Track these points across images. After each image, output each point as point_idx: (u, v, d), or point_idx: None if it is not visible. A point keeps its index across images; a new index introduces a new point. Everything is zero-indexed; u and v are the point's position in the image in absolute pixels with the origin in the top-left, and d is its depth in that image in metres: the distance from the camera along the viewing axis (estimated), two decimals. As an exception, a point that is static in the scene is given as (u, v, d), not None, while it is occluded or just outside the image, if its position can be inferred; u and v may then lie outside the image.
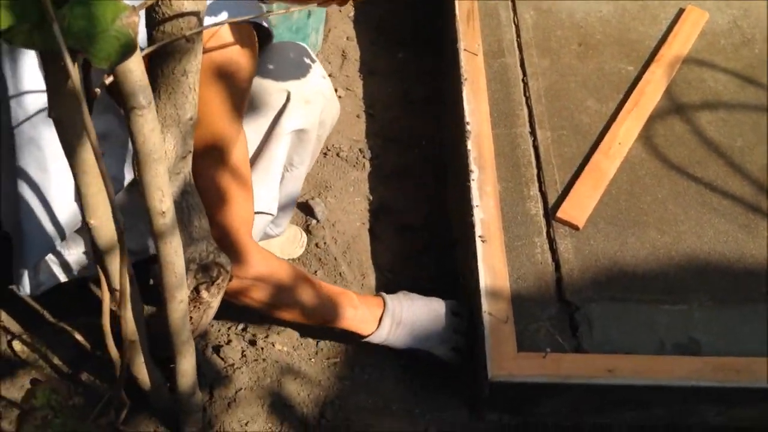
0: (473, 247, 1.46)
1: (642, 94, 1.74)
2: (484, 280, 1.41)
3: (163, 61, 0.86)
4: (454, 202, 1.71)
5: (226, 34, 1.06)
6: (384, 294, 1.41)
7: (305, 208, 1.72)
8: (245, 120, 1.24)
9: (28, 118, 1.14)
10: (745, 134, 1.70)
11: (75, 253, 1.25)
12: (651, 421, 1.38)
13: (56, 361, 1.41)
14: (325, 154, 1.83)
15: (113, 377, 1.17)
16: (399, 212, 1.75)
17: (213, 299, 1.13)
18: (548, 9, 1.96)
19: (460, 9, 1.88)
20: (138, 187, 0.95)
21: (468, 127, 1.63)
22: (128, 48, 0.59)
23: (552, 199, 1.57)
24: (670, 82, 1.78)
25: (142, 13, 0.75)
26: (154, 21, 0.81)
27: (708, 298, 1.44)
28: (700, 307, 1.43)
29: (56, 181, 1.15)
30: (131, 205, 1.12)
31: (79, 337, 1.43)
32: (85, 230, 1.24)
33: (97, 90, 0.76)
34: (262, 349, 1.46)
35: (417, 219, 1.74)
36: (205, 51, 1.02)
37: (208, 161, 1.13)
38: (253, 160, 1.31)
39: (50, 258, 1.23)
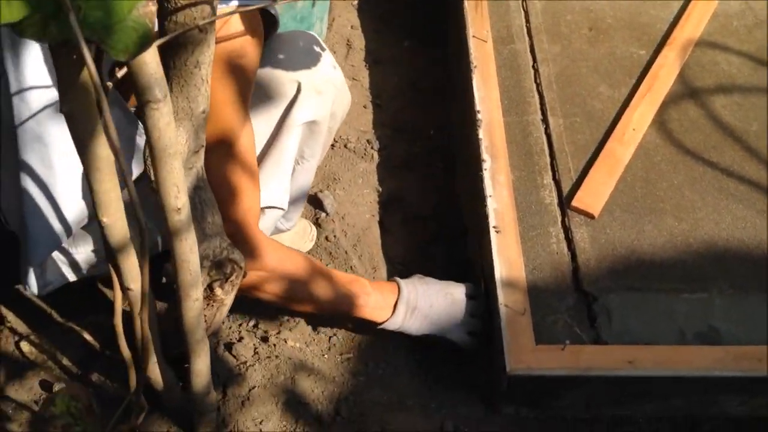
0: (487, 238, 1.43)
1: (655, 78, 1.70)
2: (500, 271, 1.39)
3: (175, 53, 0.83)
4: (465, 192, 1.68)
5: (236, 23, 1.04)
6: (398, 279, 1.39)
7: (314, 201, 1.69)
8: (255, 112, 1.22)
9: (33, 115, 1.11)
10: (760, 118, 1.67)
11: (83, 252, 1.23)
12: (670, 412, 1.36)
13: (65, 361, 1.39)
14: (333, 145, 1.80)
15: (124, 377, 1.15)
16: (408, 203, 1.73)
17: (227, 296, 1.11)
18: (557, -7, 1.93)
19: (468, -5, 1.84)
20: (146, 182, 0.92)
21: (479, 116, 1.60)
22: (146, 39, 0.56)
23: (566, 188, 1.54)
24: (683, 66, 1.75)
25: (154, 2, 0.72)
26: (166, 11, 0.78)
27: (728, 286, 1.41)
28: (720, 295, 1.40)
29: (62, 178, 1.14)
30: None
31: (87, 336, 1.41)
32: (91, 227, 1.22)
33: (110, 84, 0.73)
34: (275, 345, 1.43)
35: (426, 210, 1.71)
36: (217, 41, 0.99)
37: (218, 155, 1.11)
38: (264, 153, 1.29)
39: (58, 257, 1.21)
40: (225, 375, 1.38)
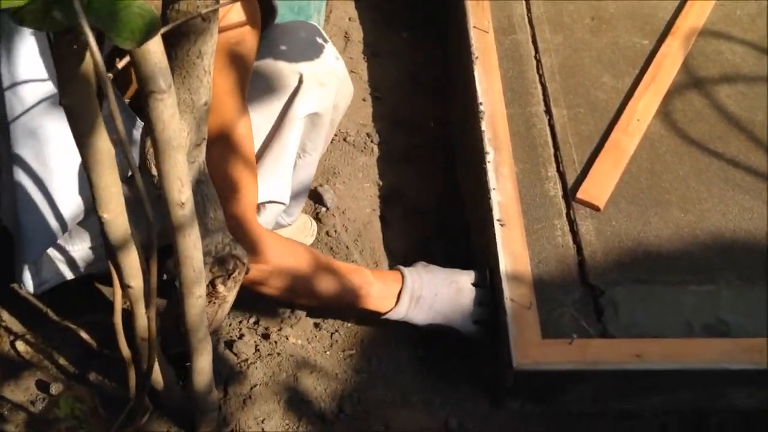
0: (492, 231, 1.41)
1: (659, 68, 1.68)
2: (505, 265, 1.36)
3: (177, 43, 0.80)
4: (467, 185, 1.66)
5: (236, 12, 1.01)
6: (402, 268, 1.36)
7: (314, 196, 1.66)
8: (256, 105, 1.19)
9: (27, 110, 1.08)
10: (765, 107, 1.66)
11: (80, 249, 1.20)
12: (677, 406, 1.34)
13: (62, 361, 1.36)
14: (332, 139, 1.77)
15: (122, 376, 1.13)
16: (409, 197, 1.70)
17: (229, 293, 1.08)
18: (558, -18, 1.90)
19: (468, -16, 1.82)
20: (145, 177, 0.90)
21: (481, 108, 1.58)
22: (152, 26, 0.53)
23: (571, 180, 1.52)
24: (686, 56, 1.73)
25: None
26: (168, -1, 0.75)
27: (735, 277, 1.40)
28: (727, 287, 1.38)
29: (57, 173, 1.11)
30: (133, 197, 1.06)
31: (84, 335, 1.38)
32: (87, 223, 1.19)
33: (110, 75, 0.70)
34: (276, 342, 1.41)
35: (427, 203, 1.69)
36: (219, 30, 0.96)
37: (217, 148, 1.08)
38: (265, 147, 1.26)
39: (55, 255, 1.18)
40: (226, 373, 1.36)
